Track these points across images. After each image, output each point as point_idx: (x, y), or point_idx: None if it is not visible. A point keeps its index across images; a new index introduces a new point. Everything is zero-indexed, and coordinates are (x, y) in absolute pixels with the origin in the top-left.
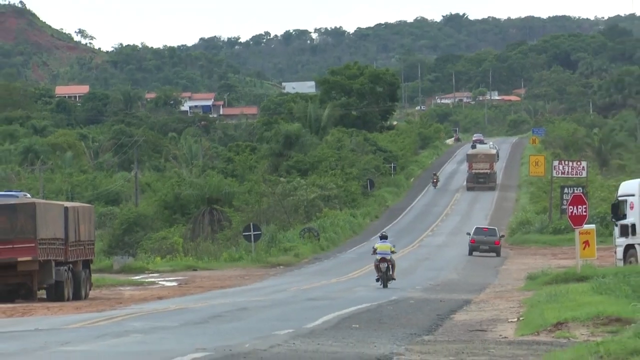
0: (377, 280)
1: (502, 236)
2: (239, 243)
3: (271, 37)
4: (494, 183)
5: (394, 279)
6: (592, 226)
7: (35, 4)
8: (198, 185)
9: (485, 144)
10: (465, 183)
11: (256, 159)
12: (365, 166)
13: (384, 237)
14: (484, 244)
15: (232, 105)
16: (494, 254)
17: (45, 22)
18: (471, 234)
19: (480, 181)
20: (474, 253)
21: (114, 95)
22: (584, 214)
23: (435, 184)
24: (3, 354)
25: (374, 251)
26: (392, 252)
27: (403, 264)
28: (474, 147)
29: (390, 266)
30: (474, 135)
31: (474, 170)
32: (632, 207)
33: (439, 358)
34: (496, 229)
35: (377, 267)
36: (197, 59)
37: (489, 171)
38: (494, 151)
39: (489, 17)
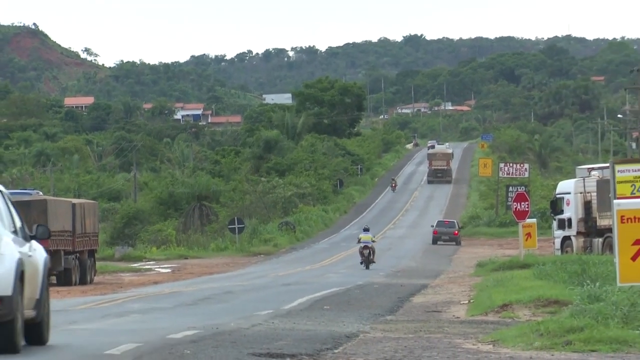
0: (361, 263)
1: (461, 227)
2: (224, 235)
3: (253, 54)
4: (450, 177)
5: (374, 262)
6: (534, 220)
7: (47, 26)
8: (189, 184)
9: (442, 144)
10: (426, 177)
11: (240, 161)
12: (335, 168)
13: (366, 230)
14: (445, 235)
15: (219, 114)
16: (454, 243)
17: (55, 42)
18: (434, 226)
19: (438, 176)
20: (438, 242)
21: (115, 106)
22: (527, 209)
23: (393, 188)
24: None
25: (359, 240)
26: (373, 241)
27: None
28: (432, 147)
29: (371, 252)
30: (429, 141)
31: (433, 167)
32: (568, 204)
33: (400, 335)
34: (455, 221)
35: (361, 253)
36: (189, 73)
37: (446, 167)
38: (450, 151)
39: (443, 37)
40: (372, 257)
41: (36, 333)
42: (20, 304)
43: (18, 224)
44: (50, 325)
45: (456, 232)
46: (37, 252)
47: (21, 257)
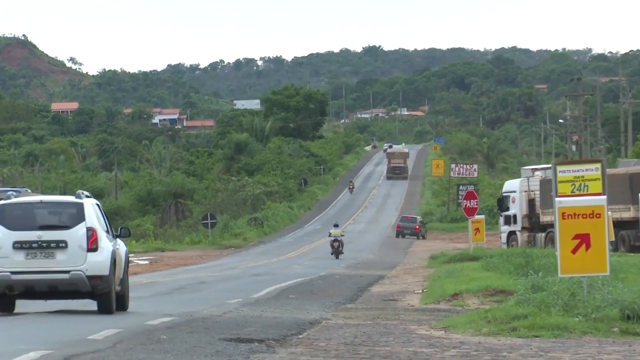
0: (332, 253)
1: (425, 223)
2: (198, 229)
3: (225, 64)
4: (406, 174)
5: (343, 253)
6: (482, 216)
7: (36, 37)
8: (166, 182)
9: (400, 145)
10: (385, 174)
11: (212, 162)
12: (300, 168)
13: (336, 225)
14: (407, 229)
15: (194, 118)
16: (415, 237)
17: (43, 52)
18: (399, 221)
19: (396, 172)
20: (402, 236)
21: (98, 111)
22: (476, 206)
23: (351, 190)
24: (5, 319)
25: (330, 234)
26: (342, 235)
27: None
28: (391, 147)
29: (340, 244)
30: (385, 144)
31: (392, 165)
32: (513, 201)
33: (359, 322)
34: (417, 217)
35: (332, 245)
36: (165, 81)
37: (403, 165)
38: (406, 150)
39: (399, 48)
40: (341, 248)
41: (121, 302)
42: (113, 281)
43: (107, 226)
44: (129, 297)
45: (417, 226)
46: (121, 247)
47: (113, 249)
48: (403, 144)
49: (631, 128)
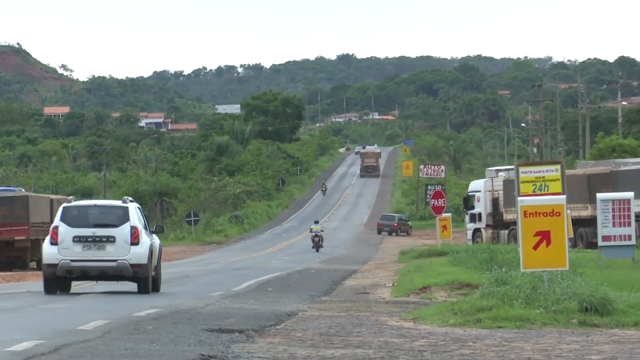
0: (313, 247)
1: (404, 220)
2: (182, 226)
3: (207, 70)
4: (378, 172)
5: (322, 247)
6: (449, 215)
7: (29, 45)
8: (152, 182)
9: (372, 145)
10: (358, 173)
11: (195, 162)
12: (278, 169)
13: (316, 222)
14: (386, 226)
15: (178, 122)
16: (394, 234)
17: (36, 59)
18: (380, 219)
19: (369, 171)
20: (384, 233)
21: (88, 114)
22: (443, 205)
23: (324, 192)
24: (2, 310)
25: (311, 230)
26: (322, 230)
27: (306, 243)
28: (364, 147)
29: (320, 239)
30: (356, 147)
31: (365, 164)
32: (478, 200)
33: (333, 313)
34: (396, 215)
35: (313, 240)
36: (151, 87)
37: (375, 164)
38: (378, 151)
39: (371, 56)
40: (321, 242)
41: (155, 284)
42: (149, 268)
43: (146, 224)
44: (161, 281)
45: (395, 224)
46: (156, 241)
47: (150, 243)
48: (375, 145)
49: (589, 132)
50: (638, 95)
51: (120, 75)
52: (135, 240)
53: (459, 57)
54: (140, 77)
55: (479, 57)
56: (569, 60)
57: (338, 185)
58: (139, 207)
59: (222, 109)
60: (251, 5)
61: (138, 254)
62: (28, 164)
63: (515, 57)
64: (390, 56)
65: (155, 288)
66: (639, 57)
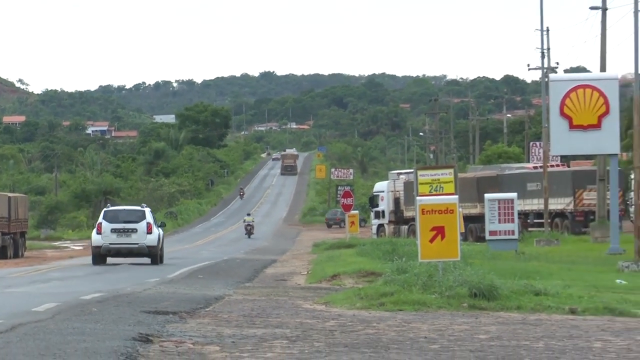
0: (245, 234)
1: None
2: None
3: (146, 85)
4: (296, 171)
5: (253, 234)
6: (356, 212)
7: None
8: (97, 182)
9: (291, 149)
10: (278, 172)
11: (135, 165)
12: (207, 171)
13: (249, 214)
14: (331, 220)
15: (120, 130)
16: (338, 226)
17: None
18: (326, 215)
19: (288, 170)
20: (333, 226)
21: (41, 123)
22: (351, 203)
23: (241, 197)
24: None
25: (244, 221)
26: (253, 221)
27: (232, 236)
28: (285, 150)
29: (252, 228)
30: (274, 154)
31: (285, 164)
32: (382, 200)
33: (255, 298)
34: (338, 211)
35: (246, 228)
36: (97, 99)
37: (293, 164)
38: (296, 153)
39: (289, 73)
40: (252, 230)
41: (161, 259)
42: (158, 248)
43: (154, 221)
44: (164, 256)
45: (338, 218)
46: (161, 231)
47: (158, 233)
48: (294, 148)
49: (478, 140)
50: (521, 108)
51: (70, 88)
52: (149, 231)
53: (366, 75)
54: (87, 90)
55: (383, 74)
56: (461, 78)
57: (260, 185)
58: (150, 210)
59: (159, 118)
60: (185, 29)
61: (151, 239)
62: None
63: (414, 75)
64: (306, 73)
65: (161, 261)
66: (522, 76)
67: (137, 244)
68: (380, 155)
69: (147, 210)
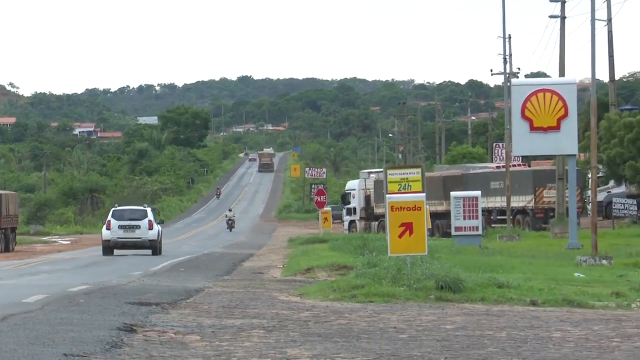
0: (227, 227)
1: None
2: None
3: (130, 88)
4: (272, 169)
5: (234, 227)
6: (329, 208)
7: None
8: (84, 180)
9: (268, 148)
10: (256, 171)
11: (120, 164)
12: (188, 170)
13: (230, 210)
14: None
15: (106, 131)
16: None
17: None
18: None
19: (265, 167)
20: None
21: (31, 124)
22: (324, 201)
23: (218, 196)
24: None
25: (226, 216)
26: (234, 216)
27: (212, 231)
28: (261, 151)
29: (233, 222)
30: (251, 154)
31: (262, 162)
32: (353, 197)
33: (234, 290)
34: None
35: (227, 222)
36: (84, 101)
37: (270, 162)
38: (273, 152)
39: (266, 77)
40: (233, 225)
41: (160, 250)
42: (158, 242)
43: (155, 218)
44: (162, 247)
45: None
46: (160, 227)
47: (158, 228)
48: (271, 148)
49: (444, 141)
50: (484, 111)
51: (58, 91)
52: (150, 227)
53: (338, 79)
54: (74, 93)
55: (354, 79)
56: (428, 82)
57: (238, 183)
58: (151, 209)
59: (143, 120)
60: (167, 36)
61: (152, 234)
62: None
63: (384, 79)
64: (281, 77)
65: (160, 252)
66: (485, 81)
67: (140, 238)
68: (352, 155)
69: (149, 210)
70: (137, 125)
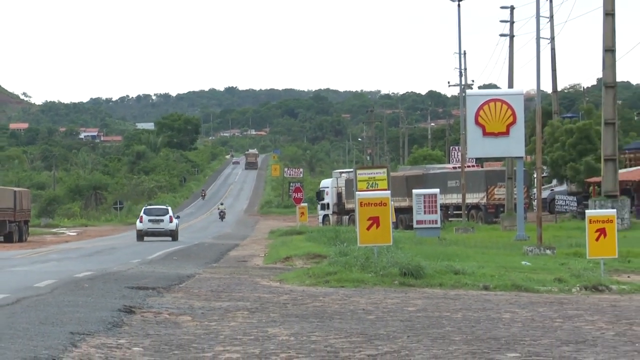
0: (219, 218)
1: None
2: (111, 211)
3: (130, 97)
4: (257, 167)
5: (225, 218)
6: (305, 204)
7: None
8: (88, 179)
9: (253, 149)
10: (240, 172)
11: (121, 165)
12: (181, 170)
13: (222, 204)
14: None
15: (108, 135)
16: None
17: (2, 87)
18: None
19: (250, 165)
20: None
21: (42, 129)
22: (301, 197)
23: (203, 197)
24: None
25: (218, 208)
26: (225, 208)
27: (201, 224)
28: (247, 151)
29: (224, 214)
30: (235, 157)
31: (248, 160)
32: (327, 194)
33: (221, 276)
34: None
35: (219, 214)
36: (89, 109)
37: (254, 161)
38: (257, 152)
39: (249, 88)
40: (225, 216)
41: (177, 237)
42: (176, 232)
43: (173, 214)
44: (179, 235)
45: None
46: (177, 221)
47: (176, 222)
48: (255, 149)
49: (407, 145)
50: (442, 118)
51: (66, 100)
52: (171, 221)
53: (314, 90)
54: (80, 101)
55: (328, 89)
56: (392, 93)
57: (224, 182)
58: (170, 208)
59: (141, 125)
60: (162, 51)
61: (172, 226)
62: None
63: (354, 90)
64: (263, 88)
65: (177, 239)
66: (443, 91)
67: (163, 228)
68: (326, 157)
69: (169, 209)
70: (135, 130)
